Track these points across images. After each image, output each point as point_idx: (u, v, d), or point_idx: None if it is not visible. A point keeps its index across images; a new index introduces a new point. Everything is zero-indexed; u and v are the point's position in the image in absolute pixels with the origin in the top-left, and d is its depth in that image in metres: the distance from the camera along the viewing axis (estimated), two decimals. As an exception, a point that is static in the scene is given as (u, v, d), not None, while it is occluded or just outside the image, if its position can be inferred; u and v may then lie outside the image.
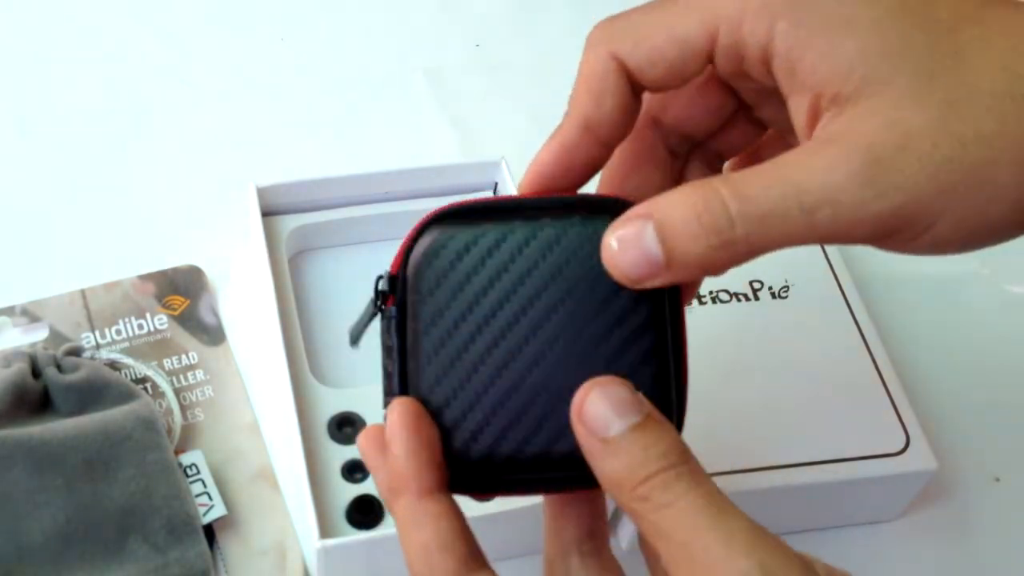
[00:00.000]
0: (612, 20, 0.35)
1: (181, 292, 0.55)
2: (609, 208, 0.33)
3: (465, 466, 0.32)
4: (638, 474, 0.29)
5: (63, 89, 0.64)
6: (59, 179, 0.60)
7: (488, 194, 0.57)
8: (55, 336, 0.52)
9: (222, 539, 0.47)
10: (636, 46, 0.33)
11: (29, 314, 0.53)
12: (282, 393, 0.49)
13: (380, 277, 0.34)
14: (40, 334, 0.52)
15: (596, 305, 0.32)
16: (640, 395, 0.31)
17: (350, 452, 0.48)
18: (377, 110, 0.65)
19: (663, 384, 0.32)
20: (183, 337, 0.53)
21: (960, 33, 0.31)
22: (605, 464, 0.30)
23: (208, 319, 0.54)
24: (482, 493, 0.34)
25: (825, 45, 0.31)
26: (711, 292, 0.53)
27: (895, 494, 0.50)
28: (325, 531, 0.45)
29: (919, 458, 0.48)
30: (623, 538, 0.49)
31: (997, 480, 0.54)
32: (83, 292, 0.54)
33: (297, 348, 0.51)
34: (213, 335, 0.54)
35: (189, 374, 0.52)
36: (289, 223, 0.54)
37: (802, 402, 0.50)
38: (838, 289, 0.55)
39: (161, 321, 0.53)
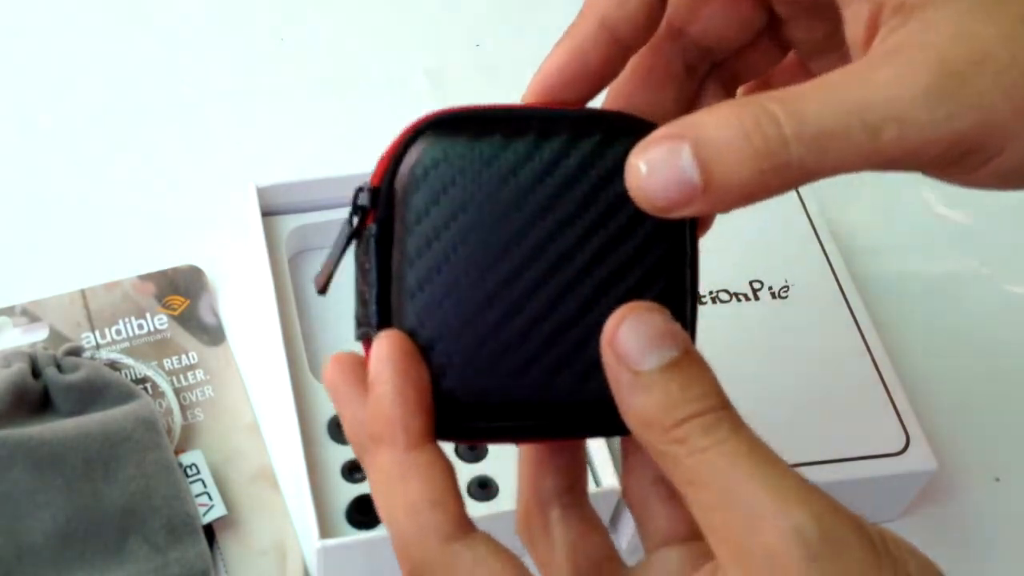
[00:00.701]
0: None
1: (181, 292, 0.55)
2: (633, 128, 0.29)
3: (455, 409, 0.29)
4: (674, 414, 0.27)
5: (63, 89, 0.64)
6: (59, 179, 0.60)
7: None
8: (55, 336, 0.52)
9: (222, 539, 0.47)
10: None
11: (29, 314, 0.53)
12: (282, 393, 0.49)
13: (359, 189, 0.30)
14: (40, 334, 0.52)
15: (612, 236, 0.29)
16: (679, 327, 0.28)
17: (350, 452, 0.48)
18: (377, 110, 0.65)
19: (680, 296, 0.29)
20: (183, 337, 0.53)
21: None
22: (637, 400, 0.27)
23: (208, 319, 0.54)
24: (472, 440, 0.31)
25: None
26: (711, 292, 0.53)
27: (895, 494, 0.50)
28: (325, 531, 0.45)
29: (919, 458, 0.48)
30: (623, 538, 0.49)
31: (997, 480, 0.54)
32: (83, 292, 0.54)
33: (297, 348, 0.51)
34: (213, 335, 0.54)
35: (189, 374, 0.52)
36: (289, 223, 0.54)
37: (802, 402, 0.50)
38: (838, 289, 0.55)
39: (161, 321, 0.53)
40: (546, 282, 0.29)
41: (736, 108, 0.27)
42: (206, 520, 0.46)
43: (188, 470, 0.48)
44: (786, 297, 0.54)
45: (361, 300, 0.30)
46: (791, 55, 0.36)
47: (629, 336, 0.27)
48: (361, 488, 0.47)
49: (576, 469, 0.33)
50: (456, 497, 0.28)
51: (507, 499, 0.47)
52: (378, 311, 0.29)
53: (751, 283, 0.54)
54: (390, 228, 0.29)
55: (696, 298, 0.30)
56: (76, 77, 0.64)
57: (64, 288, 0.54)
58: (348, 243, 0.30)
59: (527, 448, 0.33)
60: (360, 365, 0.30)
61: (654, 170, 0.27)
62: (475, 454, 0.47)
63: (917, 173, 0.29)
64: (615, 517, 0.49)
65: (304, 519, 0.47)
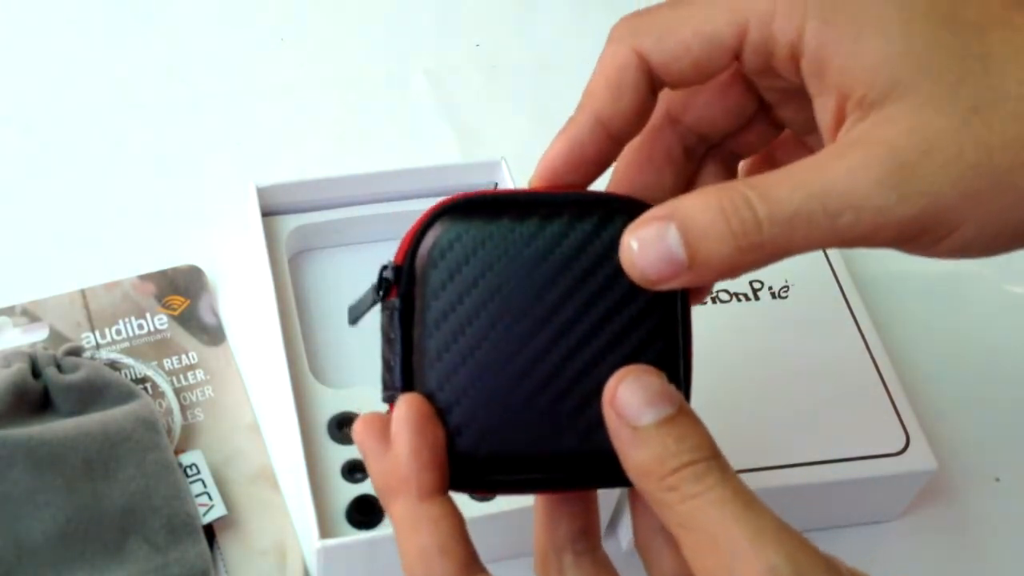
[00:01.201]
0: (636, 15, 0.34)
1: (181, 292, 0.55)
2: (627, 209, 0.32)
3: (471, 465, 0.32)
4: (668, 464, 0.29)
5: (63, 89, 0.64)
6: (59, 179, 0.60)
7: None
8: (55, 336, 0.52)
9: (222, 539, 0.47)
10: (660, 40, 0.33)
11: (29, 314, 0.53)
12: (282, 393, 0.49)
13: (385, 267, 0.33)
14: (40, 334, 0.52)
15: (611, 306, 0.32)
16: (673, 387, 0.31)
17: (350, 452, 0.48)
18: (377, 110, 0.65)
19: (673, 360, 0.32)
20: (183, 337, 0.53)
21: (988, 36, 0.30)
22: (635, 452, 0.30)
23: (208, 319, 0.54)
24: (486, 491, 0.34)
25: (854, 46, 0.31)
26: (711, 292, 0.53)
27: (895, 494, 0.50)
28: (325, 531, 0.45)
29: (919, 458, 0.48)
30: (623, 539, 0.49)
31: (997, 480, 0.54)
32: (83, 292, 0.54)
33: (297, 348, 0.51)
34: (213, 335, 0.54)
35: (189, 374, 0.52)
36: (289, 223, 0.54)
37: (802, 402, 0.50)
38: (838, 289, 0.55)
39: (161, 321, 0.53)
40: (553, 348, 0.32)
41: (717, 193, 0.30)
42: (206, 520, 0.46)
43: (188, 470, 0.48)
44: (786, 297, 0.54)
45: (387, 366, 0.33)
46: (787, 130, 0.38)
47: (628, 396, 0.30)
48: (361, 488, 0.47)
49: (588, 516, 0.36)
50: (463, 543, 0.31)
51: (503, 500, 0.47)
52: (402, 376, 0.32)
53: (751, 283, 0.54)
54: (411, 302, 0.32)
55: (689, 359, 0.33)
56: (76, 77, 0.64)
57: (64, 288, 0.54)
58: (373, 304, 0.33)
59: (541, 497, 0.36)
60: (385, 424, 0.32)
61: (644, 247, 0.31)
62: None
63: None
64: (614, 518, 0.49)
65: (304, 519, 0.47)
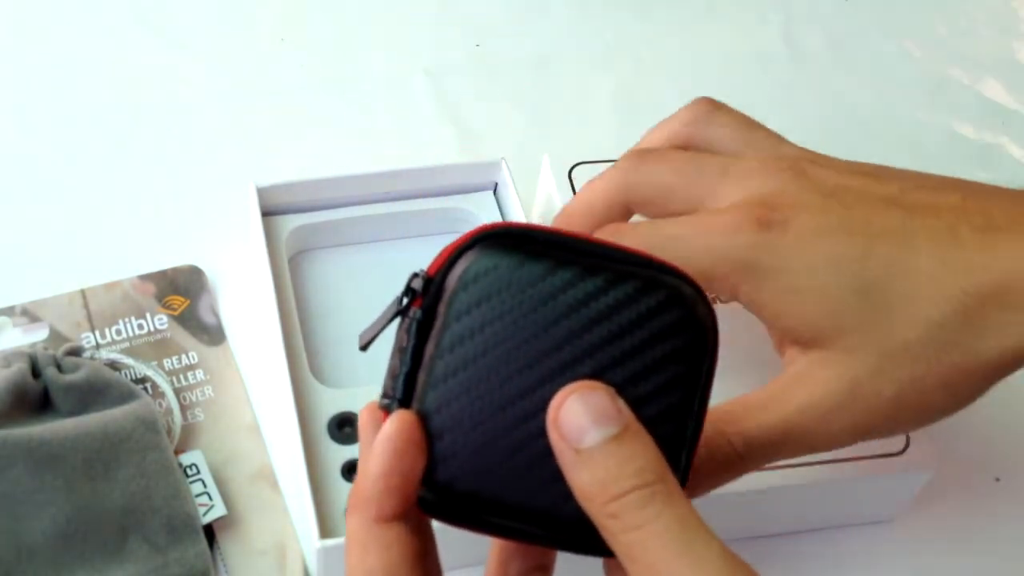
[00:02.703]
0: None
1: (181, 292, 0.55)
2: (671, 283, 0.31)
3: (445, 496, 0.31)
4: (610, 490, 0.28)
5: (63, 89, 0.64)
6: (59, 179, 0.60)
7: (488, 194, 0.57)
8: (55, 336, 0.52)
9: (222, 539, 0.47)
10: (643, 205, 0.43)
11: (29, 314, 0.53)
12: (282, 393, 0.49)
13: (416, 275, 0.32)
14: (40, 334, 0.52)
15: (628, 378, 0.31)
16: (622, 404, 0.29)
17: (350, 452, 0.48)
18: (377, 110, 0.65)
19: (676, 446, 0.31)
20: (183, 337, 0.53)
21: (890, 289, 0.37)
22: (576, 475, 0.29)
23: (208, 319, 0.54)
24: (454, 524, 0.32)
25: (779, 310, 0.39)
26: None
27: (895, 494, 0.50)
28: (325, 531, 0.45)
29: (919, 458, 0.48)
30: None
31: (997, 480, 0.54)
32: (83, 292, 0.54)
33: (297, 348, 0.51)
34: (213, 335, 0.54)
35: (189, 374, 0.52)
36: (289, 223, 0.54)
37: None
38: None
39: (161, 321, 0.53)
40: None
41: (704, 439, 0.33)
42: (206, 520, 0.47)
43: (188, 470, 0.48)
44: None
45: (391, 374, 0.32)
46: None
47: (570, 415, 0.29)
48: None
49: (545, 556, 0.35)
50: (410, 571, 0.30)
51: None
52: (403, 388, 0.31)
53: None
54: (432, 317, 0.32)
55: (701, 424, 0.32)
56: (76, 77, 0.64)
57: (64, 288, 0.54)
58: (394, 317, 0.33)
59: None
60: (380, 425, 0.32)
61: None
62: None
63: None
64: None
65: (304, 519, 0.47)
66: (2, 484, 0.44)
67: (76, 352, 0.50)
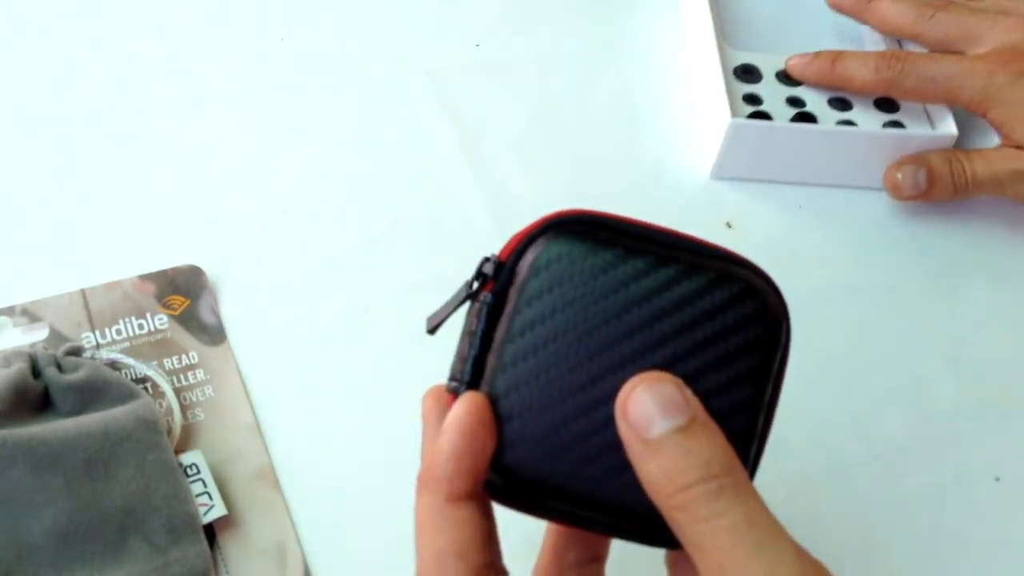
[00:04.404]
0: None
1: (181, 292, 0.55)
2: (744, 272, 0.32)
3: (512, 480, 0.31)
4: (677, 481, 0.28)
5: (63, 88, 0.64)
6: (59, 179, 0.60)
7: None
8: (55, 336, 0.52)
9: (222, 539, 0.47)
10: None
11: (29, 314, 0.53)
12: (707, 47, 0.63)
13: (486, 259, 0.32)
14: (40, 334, 0.52)
15: (699, 369, 0.31)
16: (689, 395, 0.29)
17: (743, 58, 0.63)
18: (377, 110, 0.65)
19: (747, 439, 0.31)
20: (183, 337, 0.53)
21: None
22: (644, 466, 0.29)
23: (208, 319, 0.54)
24: (518, 509, 0.33)
25: (1014, 127, 0.56)
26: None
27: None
28: (734, 111, 0.58)
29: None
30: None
31: (997, 480, 0.54)
32: (83, 292, 0.54)
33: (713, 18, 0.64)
34: (213, 335, 0.54)
35: (189, 374, 0.52)
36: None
37: None
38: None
39: (161, 321, 0.53)
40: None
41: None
42: (206, 520, 0.47)
43: (188, 470, 0.48)
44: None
45: (460, 357, 0.32)
46: None
47: (639, 405, 0.29)
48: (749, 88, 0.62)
49: (601, 546, 0.35)
50: (481, 551, 0.30)
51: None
52: (472, 372, 0.32)
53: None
54: (503, 302, 0.32)
55: (772, 416, 0.32)
56: (76, 76, 0.64)
57: (64, 288, 0.54)
58: (465, 300, 0.33)
59: None
60: (447, 407, 0.32)
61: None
62: None
63: None
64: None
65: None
66: (2, 484, 0.44)
67: (76, 352, 0.50)
